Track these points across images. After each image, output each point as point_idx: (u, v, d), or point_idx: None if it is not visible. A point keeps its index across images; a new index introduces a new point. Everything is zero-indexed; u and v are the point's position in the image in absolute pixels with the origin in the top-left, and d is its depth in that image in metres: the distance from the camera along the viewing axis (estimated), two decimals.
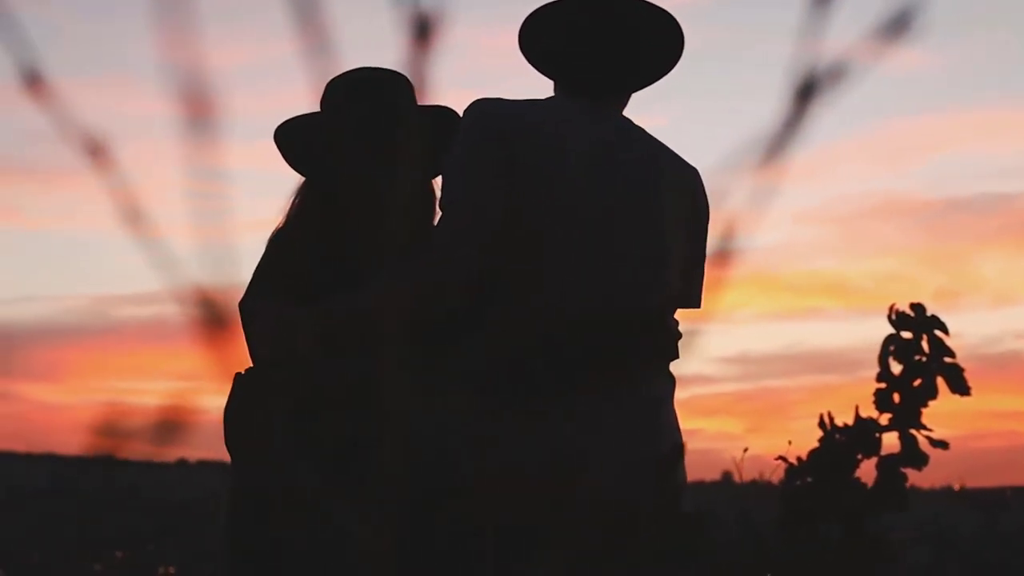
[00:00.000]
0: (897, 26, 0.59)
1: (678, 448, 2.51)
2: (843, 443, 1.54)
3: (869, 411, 1.56)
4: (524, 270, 2.44)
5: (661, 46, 2.72)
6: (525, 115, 2.54)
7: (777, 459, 1.72)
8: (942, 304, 1.64)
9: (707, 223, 2.72)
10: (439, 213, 2.50)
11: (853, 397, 1.71)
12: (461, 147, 2.47)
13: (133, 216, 0.69)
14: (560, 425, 2.41)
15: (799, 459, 1.58)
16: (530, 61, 2.76)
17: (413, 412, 2.50)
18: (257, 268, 2.67)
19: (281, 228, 2.71)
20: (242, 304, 2.64)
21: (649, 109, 2.90)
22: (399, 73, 2.73)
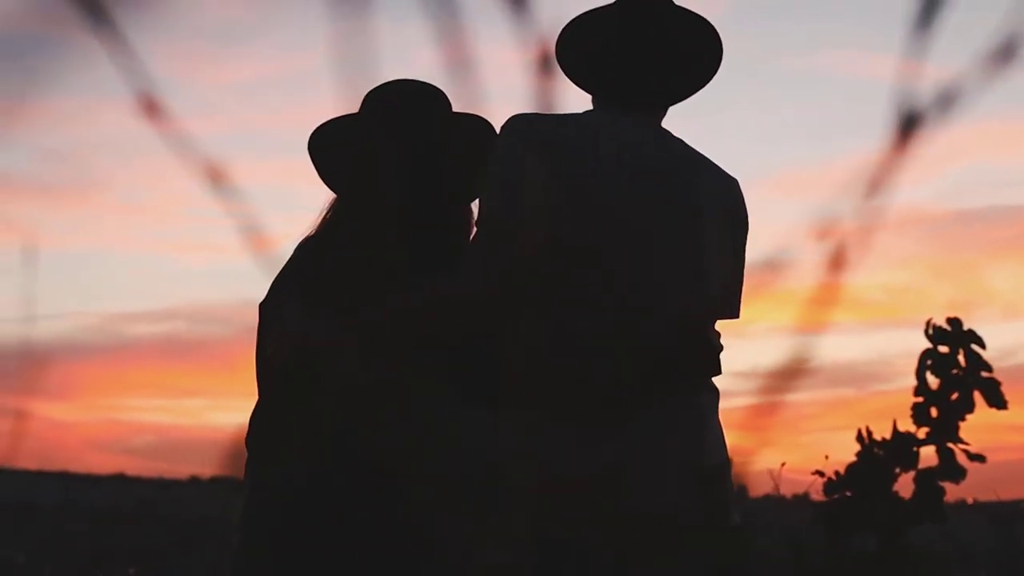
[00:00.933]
0: (1005, 52, 0.60)
1: (725, 462, 2.51)
2: (881, 457, 1.55)
3: (907, 425, 1.57)
4: (571, 284, 2.44)
5: (700, 57, 2.72)
6: (564, 129, 2.54)
7: (814, 473, 1.73)
8: (954, 316, 1.65)
9: (746, 233, 2.72)
10: (475, 229, 2.50)
11: (865, 410, 1.72)
12: (499, 162, 2.47)
13: (256, 238, 0.70)
14: (612, 439, 2.42)
15: (836, 473, 1.59)
16: (566, 72, 2.74)
17: (461, 425, 2.49)
18: (283, 272, 2.66)
19: (312, 236, 2.70)
20: (265, 304, 2.64)
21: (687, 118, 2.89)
22: (433, 87, 2.73)
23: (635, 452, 2.42)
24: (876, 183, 0.67)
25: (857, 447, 1.64)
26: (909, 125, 0.65)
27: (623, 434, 2.42)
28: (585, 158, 2.50)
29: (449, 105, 2.74)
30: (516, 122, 2.52)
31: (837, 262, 0.73)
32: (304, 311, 2.49)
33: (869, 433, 1.56)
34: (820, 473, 1.67)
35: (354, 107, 2.66)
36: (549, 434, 2.37)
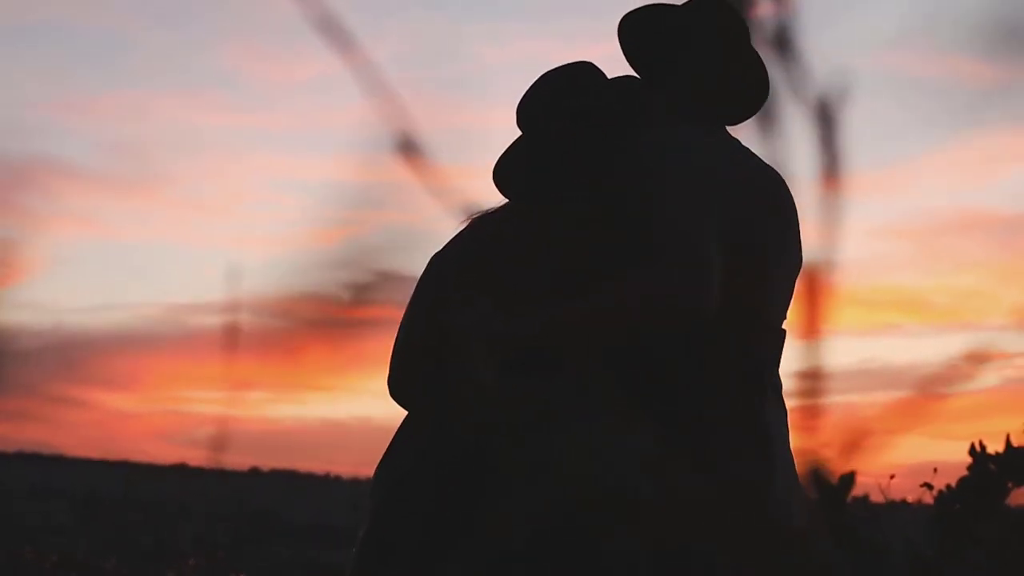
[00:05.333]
0: None
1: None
2: (993, 471, 1.52)
3: (1020, 439, 1.54)
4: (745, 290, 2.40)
5: (766, 74, 2.66)
6: (708, 142, 2.52)
7: (922, 486, 1.70)
8: (1019, 321, 1.61)
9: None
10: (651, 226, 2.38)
11: (928, 414, 1.68)
12: (684, 169, 2.41)
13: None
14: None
15: (948, 486, 1.56)
16: (636, 63, 2.65)
17: (594, 436, 2.46)
18: (461, 241, 2.60)
19: (488, 216, 2.62)
20: (437, 258, 2.59)
21: None
22: (583, 64, 2.61)
23: (776, 467, 2.40)
24: None
25: (965, 457, 1.61)
26: None
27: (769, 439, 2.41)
28: (725, 176, 2.46)
29: (599, 71, 2.62)
30: (682, 138, 2.50)
31: None
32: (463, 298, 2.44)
33: (983, 447, 1.53)
34: (928, 485, 1.65)
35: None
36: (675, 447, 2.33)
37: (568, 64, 2.60)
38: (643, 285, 2.31)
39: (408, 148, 0.72)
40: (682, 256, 2.30)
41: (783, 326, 2.59)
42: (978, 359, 1.39)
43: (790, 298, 2.61)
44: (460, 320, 2.44)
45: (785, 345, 2.57)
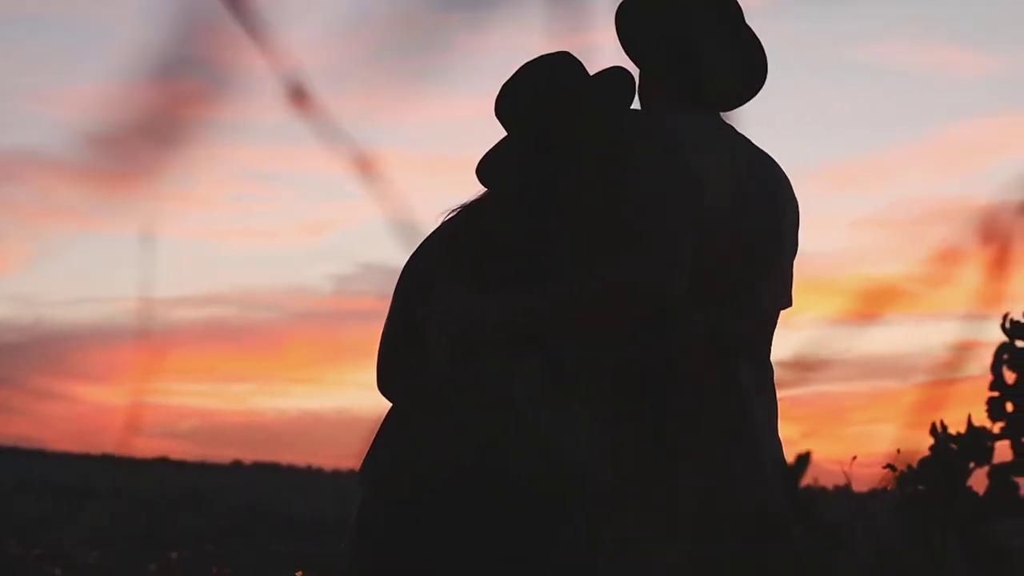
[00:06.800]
0: None
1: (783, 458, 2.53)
2: (956, 451, 1.55)
3: (981, 419, 1.57)
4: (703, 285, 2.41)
5: (762, 61, 2.67)
6: (684, 130, 2.53)
7: (885, 467, 1.72)
8: (998, 310, 1.64)
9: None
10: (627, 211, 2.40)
11: (909, 402, 1.71)
12: (660, 159, 2.43)
13: (406, 227, 0.70)
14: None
15: (909, 467, 1.59)
16: (631, 51, 2.65)
17: (553, 420, 2.49)
18: (436, 237, 2.61)
19: (465, 208, 2.63)
20: (414, 259, 2.60)
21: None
22: (563, 55, 2.60)
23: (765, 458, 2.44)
24: None
25: (928, 440, 1.64)
26: None
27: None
28: (705, 164, 2.47)
29: (580, 64, 2.61)
30: (655, 123, 2.52)
31: (999, 268, 0.74)
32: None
33: (944, 427, 1.56)
34: (891, 467, 1.67)
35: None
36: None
37: (547, 55, 2.61)
38: (612, 272, 2.34)
39: (297, 94, 0.73)
40: (650, 245, 2.33)
41: (779, 311, 2.61)
42: (960, 348, 1.42)
43: (787, 283, 2.63)
44: (436, 305, 2.46)
45: (775, 330, 2.60)
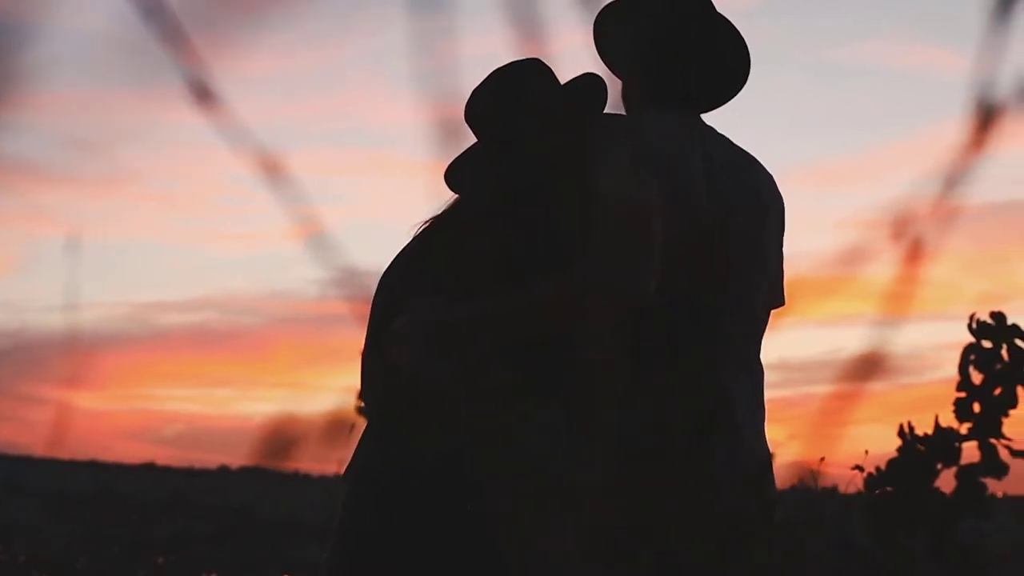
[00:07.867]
0: None
1: (769, 460, 2.53)
2: (923, 452, 1.54)
3: (949, 420, 1.56)
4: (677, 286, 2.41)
5: (742, 61, 2.68)
6: (649, 130, 2.52)
7: (854, 468, 1.72)
8: (998, 311, 1.63)
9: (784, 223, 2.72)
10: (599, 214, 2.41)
11: (894, 403, 1.71)
12: (618, 166, 2.44)
13: (312, 229, 0.70)
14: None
15: (878, 468, 1.58)
16: (608, 60, 2.67)
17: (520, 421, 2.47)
18: (410, 250, 2.61)
19: (436, 220, 2.63)
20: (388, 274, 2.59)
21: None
22: (532, 62, 2.60)
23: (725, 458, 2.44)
24: (953, 175, 0.66)
25: (897, 442, 1.64)
26: (987, 117, 0.64)
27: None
28: (677, 166, 2.47)
29: (550, 72, 2.62)
30: (615, 123, 2.51)
31: (914, 254, 0.73)
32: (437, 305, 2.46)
33: (911, 428, 1.56)
34: (859, 468, 1.67)
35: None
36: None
37: (516, 61, 2.61)
38: (581, 276, 2.34)
39: (201, 94, 0.72)
40: (619, 247, 2.33)
41: (768, 311, 2.61)
42: (946, 348, 1.42)
43: (776, 282, 2.63)
44: (405, 309, 2.46)
45: (765, 328, 2.60)
